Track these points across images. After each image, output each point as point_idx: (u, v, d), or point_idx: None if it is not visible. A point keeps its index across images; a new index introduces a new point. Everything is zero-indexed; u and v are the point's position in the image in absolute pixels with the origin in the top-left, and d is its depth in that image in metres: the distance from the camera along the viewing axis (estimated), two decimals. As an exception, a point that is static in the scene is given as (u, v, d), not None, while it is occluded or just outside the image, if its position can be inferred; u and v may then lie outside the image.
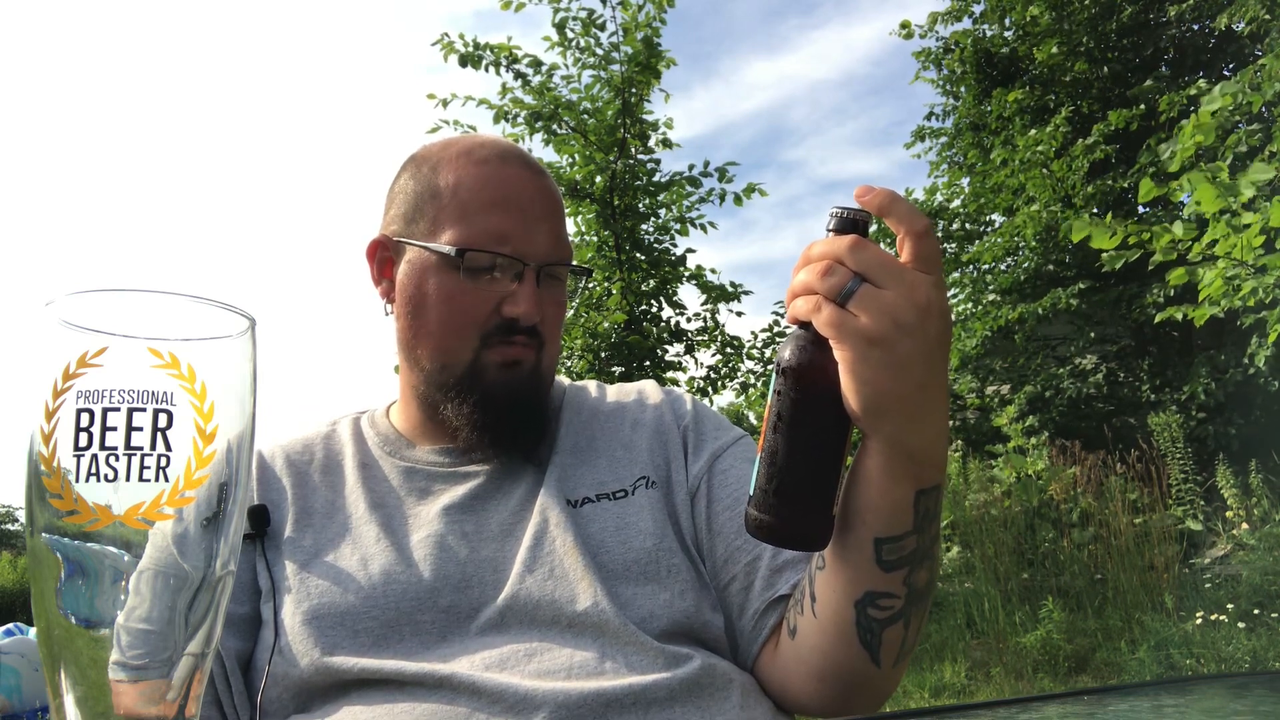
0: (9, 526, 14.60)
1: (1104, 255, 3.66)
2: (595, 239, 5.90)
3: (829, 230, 0.68)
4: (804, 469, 0.69)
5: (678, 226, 5.95)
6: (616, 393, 1.12)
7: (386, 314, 1.04)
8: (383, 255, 1.03)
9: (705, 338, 6.06)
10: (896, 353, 0.64)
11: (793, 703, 0.90)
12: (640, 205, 5.92)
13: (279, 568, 0.94)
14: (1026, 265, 9.29)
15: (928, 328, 0.65)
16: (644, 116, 5.72)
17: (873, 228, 0.70)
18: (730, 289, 5.97)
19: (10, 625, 1.37)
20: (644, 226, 5.97)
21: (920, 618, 0.79)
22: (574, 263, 1.04)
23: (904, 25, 10.31)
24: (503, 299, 0.96)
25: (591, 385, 1.14)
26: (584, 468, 1.00)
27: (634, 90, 5.56)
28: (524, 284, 0.96)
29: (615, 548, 0.92)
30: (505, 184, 0.98)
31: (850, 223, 0.67)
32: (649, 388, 1.12)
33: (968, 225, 10.60)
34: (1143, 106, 8.56)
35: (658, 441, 1.03)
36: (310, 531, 0.97)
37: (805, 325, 0.68)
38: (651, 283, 5.91)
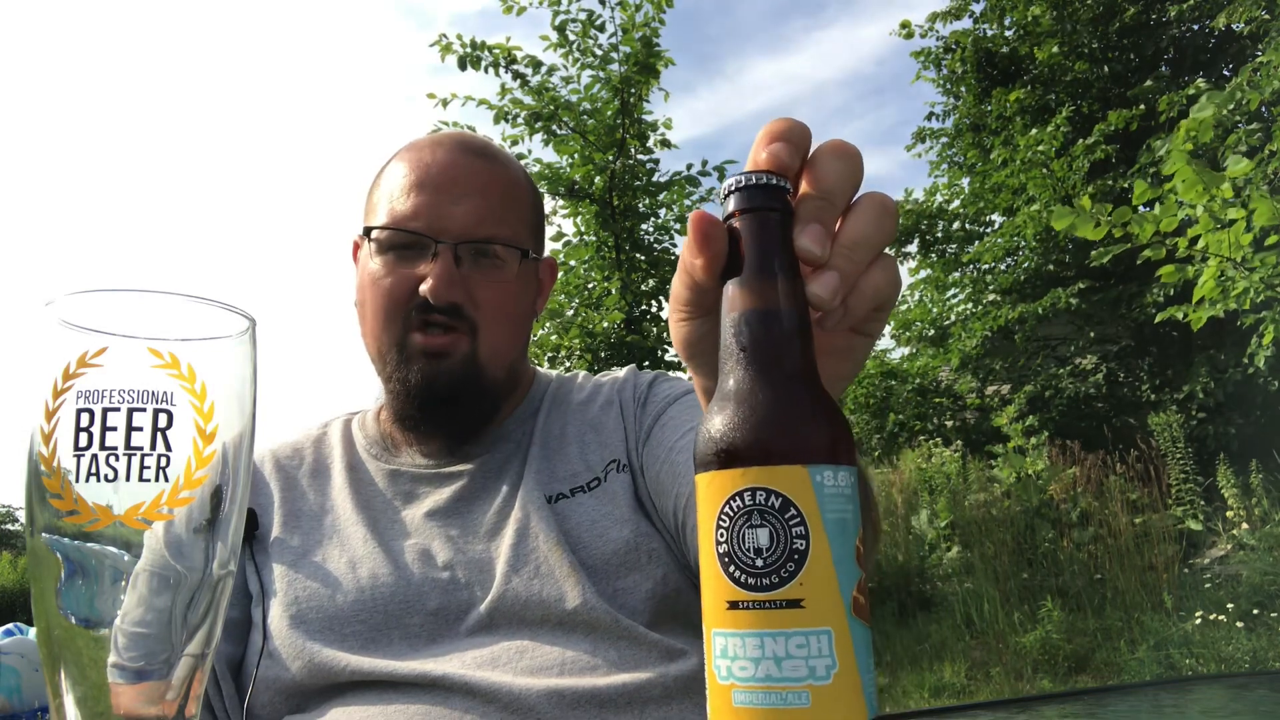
0: (9, 526, 14.57)
1: (1093, 252, 3.62)
2: (595, 239, 5.90)
3: (742, 208, 0.46)
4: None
5: (678, 226, 5.94)
6: (597, 378, 1.12)
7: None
8: (360, 254, 1.05)
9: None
10: (881, 325, 0.54)
11: None
12: (640, 205, 5.91)
13: (267, 571, 0.94)
14: (1026, 265, 9.27)
15: None
16: (643, 117, 5.71)
17: None
18: (730, 288, 5.95)
19: (10, 625, 1.36)
20: (644, 226, 5.96)
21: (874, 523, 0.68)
22: (516, 245, 0.98)
23: (904, 25, 10.30)
24: (421, 280, 0.94)
25: (580, 375, 1.13)
26: (557, 460, 1.00)
27: (633, 90, 5.56)
28: (436, 262, 0.94)
29: (592, 542, 0.91)
30: (425, 167, 0.98)
31: (782, 191, 0.47)
32: (623, 370, 1.11)
33: (968, 226, 10.59)
34: (1143, 107, 8.55)
35: (620, 420, 1.03)
36: (298, 533, 0.97)
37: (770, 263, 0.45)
38: (651, 282, 5.91)
